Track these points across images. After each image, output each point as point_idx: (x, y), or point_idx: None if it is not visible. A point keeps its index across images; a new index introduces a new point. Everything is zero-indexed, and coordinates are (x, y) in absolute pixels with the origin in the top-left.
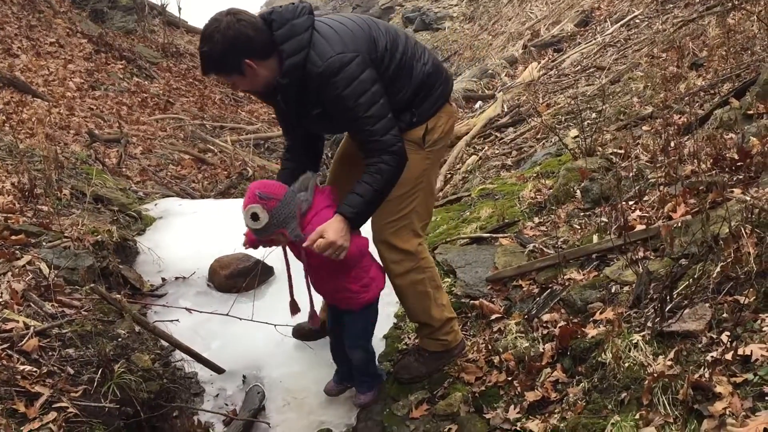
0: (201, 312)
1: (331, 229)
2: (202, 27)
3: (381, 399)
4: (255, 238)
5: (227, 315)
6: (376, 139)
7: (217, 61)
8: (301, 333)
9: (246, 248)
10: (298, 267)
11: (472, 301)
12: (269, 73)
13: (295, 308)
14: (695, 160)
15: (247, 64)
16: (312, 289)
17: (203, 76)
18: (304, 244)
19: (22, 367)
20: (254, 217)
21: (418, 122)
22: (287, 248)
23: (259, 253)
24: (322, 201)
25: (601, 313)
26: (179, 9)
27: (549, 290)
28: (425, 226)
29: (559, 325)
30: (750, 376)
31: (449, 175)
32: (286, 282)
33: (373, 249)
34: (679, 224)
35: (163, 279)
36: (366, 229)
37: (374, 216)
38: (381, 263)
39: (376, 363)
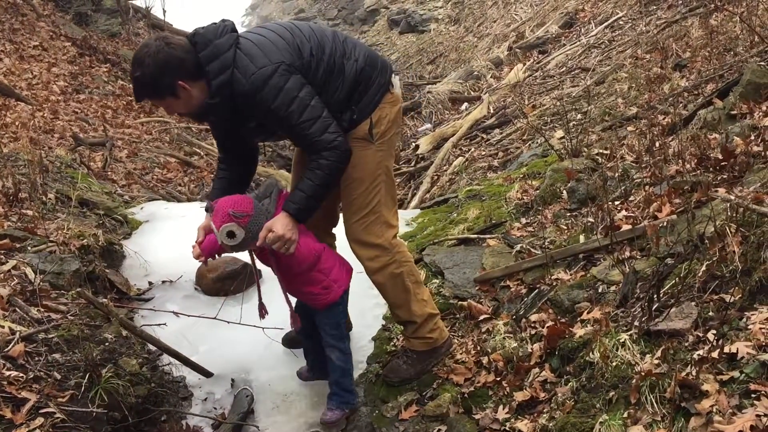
0: (188, 315)
1: (279, 224)
2: (134, 54)
3: (370, 401)
4: (208, 253)
5: (215, 318)
6: (316, 140)
7: (150, 85)
8: (290, 340)
9: (199, 260)
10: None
11: (460, 302)
12: (202, 94)
13: (263, 311)
14: (680, 160)
15: (181, 86)
16: (288, 293)
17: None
18: (258, 243)
19: (8, 373)
20: (230, 235)
21: (359, 119)
22: (254, 254)
23: (247, 255)
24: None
25: (588, 313)
26: (164, 12)
27: (536, 290)
28: (395, 214)
29: (547, 325)
30: (736, 373)
31: (436, 177)
32: (275, 285)
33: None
34: (665, 224)
35: (150, 283)
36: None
37: (344, 216)
38: (359, 262)
39: (353, 379)
